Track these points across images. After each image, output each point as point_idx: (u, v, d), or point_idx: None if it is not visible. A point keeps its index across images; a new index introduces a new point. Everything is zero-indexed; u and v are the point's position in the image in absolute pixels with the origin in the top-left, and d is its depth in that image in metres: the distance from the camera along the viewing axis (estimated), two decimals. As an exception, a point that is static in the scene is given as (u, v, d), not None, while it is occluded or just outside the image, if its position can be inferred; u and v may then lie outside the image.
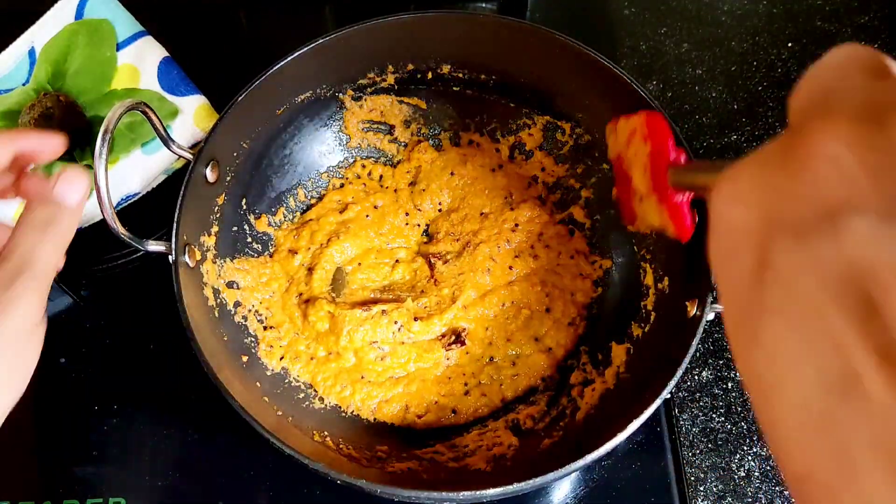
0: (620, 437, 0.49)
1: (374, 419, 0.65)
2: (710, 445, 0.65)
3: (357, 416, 0.65)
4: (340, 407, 0.65)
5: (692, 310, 0.55)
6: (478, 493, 0.48)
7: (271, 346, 0.66)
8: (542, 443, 0.60)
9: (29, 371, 0.42)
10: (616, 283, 0.69)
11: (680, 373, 0.51)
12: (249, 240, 0.69)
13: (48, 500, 0.62)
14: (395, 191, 0.75)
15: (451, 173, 0.74)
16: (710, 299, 0.53)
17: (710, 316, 0.53)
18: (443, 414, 0.65)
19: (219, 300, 0.63)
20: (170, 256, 0.56)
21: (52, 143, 0.48)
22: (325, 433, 0.60)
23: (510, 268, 0.70)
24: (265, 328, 0.66)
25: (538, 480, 0.48)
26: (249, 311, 0.66)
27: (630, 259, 0.68)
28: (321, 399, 0.65)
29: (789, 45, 0.86)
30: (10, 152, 0.46)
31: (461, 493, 0.48)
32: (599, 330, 0.67)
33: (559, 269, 0.70)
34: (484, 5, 0.91)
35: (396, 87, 0.73)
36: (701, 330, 0.52)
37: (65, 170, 0.45)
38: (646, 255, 0.66)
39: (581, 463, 0.49)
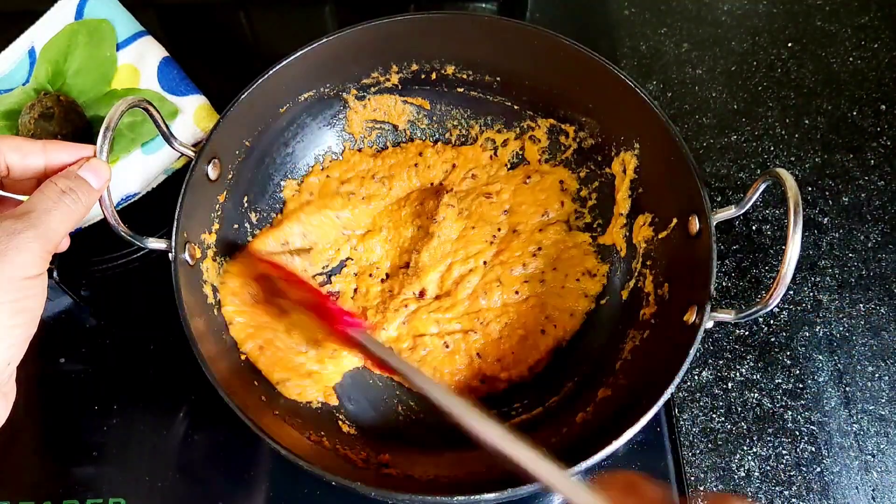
0: (616, 444, 0.49)
1: (372, 416, 0.65)
2: (710, 445, 0.65)
3: (354, 417, 0.65)
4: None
5: (691, 317, 0.55)
6: (473, 497, 0.48)
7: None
8: (539, 447, 0.60)
9: (33, 318, 0.44)
10: (616, 290, 0.68)
11: (677, 381, 0.51)
12: (250, 238, 0.69)
13: (48, 500, 0.62)
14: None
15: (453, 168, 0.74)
16: (709, 307, 0.53)
17: (710, 324, 0.53)
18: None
19: (218, 298, 0.63)
20: (170, 254, 0.56)
21: (83, 155, 0.51)
22: (322, 433, 0.60)
23: (516, 292, 0.69)
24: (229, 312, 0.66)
25: (533, 486, 0.48)
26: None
27: (630, 264, 0.68)
28: (318, 399, 0.65)
29: (789, 45, 0.87)
30: (43, 161, 0.49)
31: (455, 498, 0.48)
32: (599, 335, 0.67)
33: (563, 291, 0.69)
34: (484, 5, 0.91)
35: (400, 87, 0.73)
36: (699, 338, 0.52)
37: (90, 159, 0.50)
38: (646, 262, 0.66)
39: (577, 469, 0.49)
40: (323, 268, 0.71)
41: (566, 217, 0.72)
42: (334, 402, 0.65)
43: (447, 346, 0.66)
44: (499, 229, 0.71)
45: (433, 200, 0.72)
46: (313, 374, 0.63)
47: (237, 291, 0.63)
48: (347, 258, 0.72)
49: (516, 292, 0.68)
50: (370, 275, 0.71)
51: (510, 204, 0.72)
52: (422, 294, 0.68)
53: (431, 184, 0.74)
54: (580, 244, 0.71)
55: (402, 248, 0.72)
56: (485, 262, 0.70)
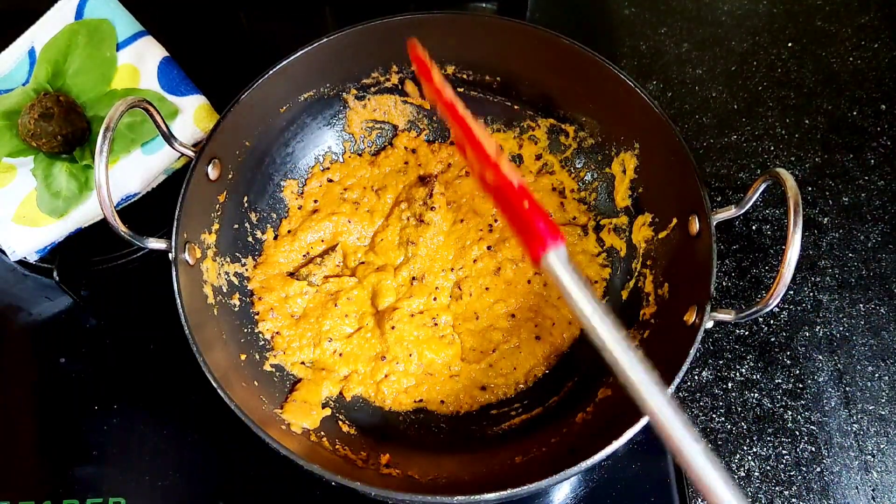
0: (616, 444, 0.49)
1: (371, 413, 0.65)
2: (709, 445, 0.65)
3: (354, 417, 0.65)
4: (344, 397, 0.65)
5: (691, 317, 0.55)
6: (473, 497, 0.48)
7: (271, 346, 0.66)
8: (539, 447, 0.60)
9: None
10: (616, 290, 0.68)
11: (677, 381, 0.51)
12: (250, 238, 0.69)
13: (48, 500, 0.62)
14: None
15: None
16: (709, 307, 0.53)
17: (710, 324, 0.53)
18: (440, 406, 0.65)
19: (218, 298, 0.63)
20: (170, 254, 0.56)
21: None
22: (322, 433, 0.60)
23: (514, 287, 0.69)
24: (268, 329, 0.66)
25: (533, 486, 0.48)
26: (247, 307, 0.66)
27: (630, 264, 0.68)
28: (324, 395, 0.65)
29: (789, 45, 0.87)
30: None
31: (455, 498, 0.48)
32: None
33: (559, 302, 0.68)
34: (484, 5, 0.91)
35: (400, 87, 0.73)
36: (699, 338, 0.53)
37: None
38: (646, 262, 0.66)
39: (576, 469, 0.49)
40: (337, 264, 0.71)
41: (585, 221, 0.72)
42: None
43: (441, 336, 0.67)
44: (495, 220, 0.71)
45: (422, 188, 0.71)
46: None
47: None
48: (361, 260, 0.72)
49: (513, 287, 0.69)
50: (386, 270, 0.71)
51: None
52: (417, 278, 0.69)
53: (419, 176, 0.74)
54: (588, 251, 0.70)
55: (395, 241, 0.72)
56: (489, 248, 0.70)
